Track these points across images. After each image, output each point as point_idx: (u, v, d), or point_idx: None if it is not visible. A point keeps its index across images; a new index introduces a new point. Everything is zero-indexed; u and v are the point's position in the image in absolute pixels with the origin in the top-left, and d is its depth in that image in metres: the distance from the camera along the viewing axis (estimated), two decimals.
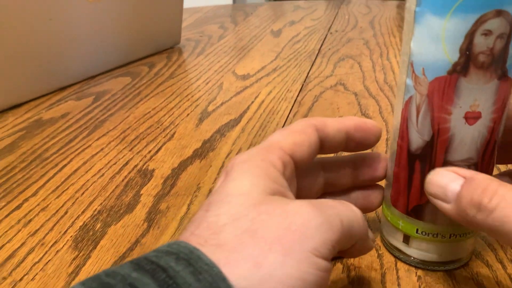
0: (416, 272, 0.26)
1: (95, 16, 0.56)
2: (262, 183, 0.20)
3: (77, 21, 0.54)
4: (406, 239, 0.25)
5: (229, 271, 0.17)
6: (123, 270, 0.17)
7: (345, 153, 0.27)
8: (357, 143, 0.25)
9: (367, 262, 0.27)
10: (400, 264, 0.26)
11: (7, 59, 0.47)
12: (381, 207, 0.27)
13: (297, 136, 0.22)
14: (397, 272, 0.26)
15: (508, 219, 0.18)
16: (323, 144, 0.23)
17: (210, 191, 0.34)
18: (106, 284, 0.16)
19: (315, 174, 0.26)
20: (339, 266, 0.26)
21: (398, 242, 0.26)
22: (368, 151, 0.26)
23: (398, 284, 0.25)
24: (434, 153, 0.22)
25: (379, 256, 0.27)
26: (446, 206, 0.21)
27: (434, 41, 0.20)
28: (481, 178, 0.20)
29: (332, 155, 0.28)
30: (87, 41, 0.56)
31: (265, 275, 0.17)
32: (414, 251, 0.25)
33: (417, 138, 0.23)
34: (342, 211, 0.20)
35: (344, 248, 0.20)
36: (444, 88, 0.21)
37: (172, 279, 0.16)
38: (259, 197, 0.19)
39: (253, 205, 0.19)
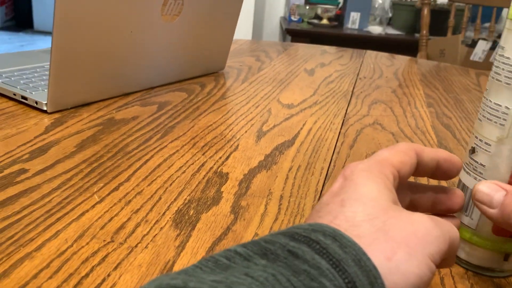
0: (469, 280, 0.31)
1: (165, 34, 0.62)
2: (386, 192, 0.24)
3: (151, 37, 0.60)
4: (507, 257, 0.31)
5: None
6: (280, 239, 0.21)
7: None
8: (443, 173, 0.29)
9: None
10: (455, 271, 0.31)
11: (88, 61, 0.53)
12: (466, 240, 0.32)
13: (403, 156, 0.27)
14: (453, 278, 0.31)
15: None
16: (418, 167, 0.28)
17: (281, 196, 0.39)
18: (267, 249, 0.20)
19: (405, 192, 0.30)
20: None
21: (494, 263, 0.31)
22: (453, 187, 0.31)
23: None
24: None
25: None
26: (491, 211, 0.27)
27: None
28: None
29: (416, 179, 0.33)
30: (155, 55, 0.62)
31: (393, 268, 0.21)
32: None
33: None
34: (451, 229, 0.24)
35: (443, 259, 0.24)
36: None
37: (325, 249, 0.20)
38: (386, 203, 0.23)
39: (383, 210, 0.23)
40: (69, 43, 0.49)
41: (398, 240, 0.22)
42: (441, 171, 0.29)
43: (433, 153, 0.28)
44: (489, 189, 0.27)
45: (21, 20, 3.87)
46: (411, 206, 0.31)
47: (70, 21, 0.48)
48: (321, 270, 0.20)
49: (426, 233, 0.22)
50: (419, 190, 0.31)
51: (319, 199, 0.39)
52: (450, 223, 0.25)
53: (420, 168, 0.28)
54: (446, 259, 0.25)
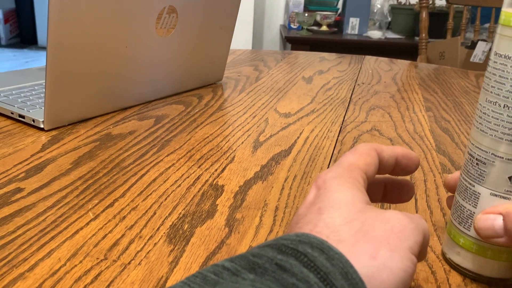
0: (466, 287, 0.30)
1: (160, 49, 0.62)
2: (359, 194, 0.25)
3: (147, 51, 0.60)
4: None
5: (353, 262, 0.21)
6: (267, 253, 0.21)
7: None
8: (402, 169, 0.30)
9: (423, 276, 0.31)
10: (452, 280, 0.31)
11: (84, 77, 0.53)
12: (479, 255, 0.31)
13: (366, 158, 0.27)
14: (449, 286, 0.31)
15: None
16: (379, 166, 0.29)
17: (276, 207, 0.39)
18: (255, 263, 0.21)
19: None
20: None
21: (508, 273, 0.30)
22: (403, 177, 0.32)
23: None
24: None
25: (433, 273, 0.32)
26: (501, 240, 0.27)
27: None
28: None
29: None
30: (151, 69, 0.62)
31: (380, 265, 0.22)
32: None
33: None
34: (421, 221, 0.25)
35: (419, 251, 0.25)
36: None
37: (313, 262, 0.21)
38: (361, 205, 0.24)
39: (359, 211, 0.24)
40: (64, 60, 0.50)
41: (379, 239, 0.22)
42: (400, 168, 0.30)
43: (391, 151, 0.29)
44: (488, 222, 0.28)
45: (26, 37, 3.92)
46: None
47: (64, 38, 0.48)
48: (309, 284, 0.20)
49: (402, 228, 0.23)
50: (372, 183, 0.31)
51: None
52: (419, 215, 0.26)
53: (381, 167, 0.29)
54: (421, 251, 0.26)
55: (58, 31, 0.47)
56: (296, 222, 0.25)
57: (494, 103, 0.28)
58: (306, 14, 2.18)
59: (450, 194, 0.34)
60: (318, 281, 0.20)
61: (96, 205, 0.37)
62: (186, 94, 0.71)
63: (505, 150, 0.28)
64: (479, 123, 0.29)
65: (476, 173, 0.29)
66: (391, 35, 2.25)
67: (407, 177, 0.46)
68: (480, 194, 0.29)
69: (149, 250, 0.32)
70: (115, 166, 0.45)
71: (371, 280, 0.21)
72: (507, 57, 0.27)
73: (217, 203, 0.39)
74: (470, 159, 0.30)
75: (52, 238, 0.33)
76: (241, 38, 2.18)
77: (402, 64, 1.08)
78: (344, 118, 0.65)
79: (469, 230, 0.30)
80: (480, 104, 0.29)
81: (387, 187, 0.32)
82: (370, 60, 1.11)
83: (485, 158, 0.29)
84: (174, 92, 0.70)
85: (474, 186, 0.30)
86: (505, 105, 0.27)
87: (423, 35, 1.61)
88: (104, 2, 0.51)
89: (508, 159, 0.28)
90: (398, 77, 0.94)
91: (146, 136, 0.53)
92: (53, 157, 0.46)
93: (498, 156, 0.28)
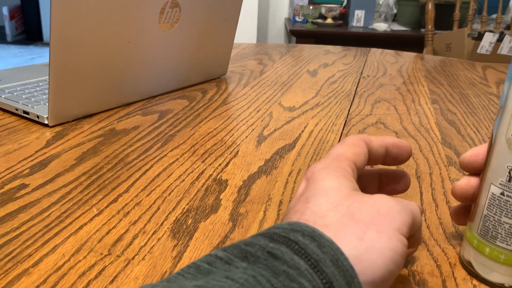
0: (472, 281, 0.30)
1: (164, 43, 0.62)
2: (346, 182, 0.25)
3: (150, 46, 0.60)
4: None
5: (340, 245, 0.22)
6: (259, 241, 0.22)
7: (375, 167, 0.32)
8: (393, 158, 0.30)
9: (428, 269, 0.31)
10: (457, 273, 0.31)
11: (87, 73, 0.53)
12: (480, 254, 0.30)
13: (355, 148, 0.28)
14: (455, 280, 0.30)
15: None
16: (369, 156, 0.29)
17: (280, 201, 0.39)
18: (247, 252, 0.21)
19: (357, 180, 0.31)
20: (405, 271, 0.31)
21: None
22: (397, 168, 0.32)
23: None
24: None
25: (438, 266, 0.32)
26: None
27: None
28: None
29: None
30: (155, 64, 0.62)
31: (368, 247, 0.22)
32: None
33: None
34: (410, 204, 0.25)
35: (410, 234, 0.25)
36: None
37: (303, 249, 0.21)
38: (347, 190, 0.25)
39: (345, 196, 0.24)
40: (67, 56, 0.50)
41: (366, 221, 0.23)
42: (391, 157, 0.30)
43: (380, 140, 0.29)
44: None
45: (31, 33, 3.93)
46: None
47: (67, 34, 0.48)
48: (300, 270, 0.20)
49: (388, 210, 0.23)
50: (366, 175, 0.31)
51: None
52: (408, 200, 0.26)
53: (371, 157, 0.29)
54: (413, 235, 0.26)
55: (61, 27, 0.47)
56: (286, 213, 0.25)
57: None
58: (311, 7, 2.16)
59: (458, 204, 0.33)
60: (308, 268, 0.20)
61: (100, 200, 0.37)
62: (190, 88, 0.71)
63: None
64: None
65: None
66: (397, 27, 2.23)
67: (413, 170, 0.46)
68: None
69: (153, 245, 0.32)
70: (119, 161, 0.45)
71: (360, 261, 0.21)
72: None
73: (221, 197, 0.39)
74: None
75: (57, 233, 0.33)
76: (246, 32, 2.17)
77: (408, 56, 1.07)
78: (349, 111, 0.64)
79: None
80: None
81: (382, 179, 0.32)
82: (376, 53, 1.10)
83: None
84: (178, 87, 0.70)
85: None
86: None
87: (429, 26, 1.59)
88: None
89: None
90: (404, 69, 0.93)
91: (150, 131, 0.53)
92: (57, 153, 0.46)
93: None
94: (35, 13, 3.78)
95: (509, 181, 0.28)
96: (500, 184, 0.28)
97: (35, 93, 0.59)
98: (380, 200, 0.24)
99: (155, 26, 0.59)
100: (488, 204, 0.29)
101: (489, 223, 0.29)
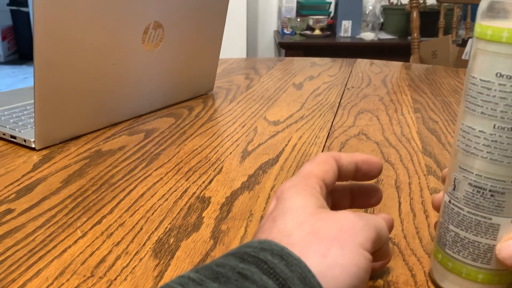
0: None
1: (148, 63, 0.63)
2: (312, 199, 0.26)
3: (135, 67, 0.61)
4: None
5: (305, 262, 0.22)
6: (230, 262, 0.22)
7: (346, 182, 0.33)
8: (364, 174, 0.31)
9: (403, 279, 0.32)
10: (431, 283, 0.32)
11: (73, 95, 0.54)
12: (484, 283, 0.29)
13: (324, 165, 0.29)
14: None
15: None
16: (339, 172, 0.30)
17: (262, 217, 0.40)
18: (218, 273, 0.22)
19: (327, 196, 0.31)
20: (380, 282, 0.32)
21: None
22: (369, 182, 0.33)
23: None
24: None
25: (413, 276, 0.32)
26: None
27: None
28: None
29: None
30: (140, 84, 0.63)
31: (331, 263, 0.23)
32: None
33: None
34: (375, 219, 0.26)
35: (376, 249, 0.26)
36: None
37: (272, 269, 0.22)
38: (312, 208, 0.26)
39: (310, 214, 0.25)
40: (52, 79, 0.51)
41: (329, 238, 0.24)
42: (361, 173, 0.31)
43: (350, 157, 0.30)
44: (510, 249, 0.27)
45: (24, 53, 3.95)
46: (333, 207, 0.32)
47: (50, 57, 0.49)
48: None
49: (351, 226, 0.24)
50: (338, 190, 0.32)
51: None
52: (374, 215, 0.27)
53: (341, 173, 0.30)
54: (381, 249, 0.27)
55: (45, 51, 0.49)
56: (256, 232, 0.26)
57: (509, 129, 0.26)
58: (299, 19, 2.19)
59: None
60: (276, 287, 0.21)
61: (84, 222, 0.38)
62: (177, 106, 0.72)
63: None
64: (489, 153, 0.26)
65: (492, 205, 0.27)
66: (384, 35, 2.26)
67: (392, 180, 0.47)
68: (500, 225, 0.27)
69: (135, 266, 0.33)
70: (104, 182, 0.45)
71: (324, 277, 0.22)
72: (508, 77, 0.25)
73: (203, 215, 0.40)
74: (479, 192, 0.27)
75: (41, 257, 0.33)
76: (236, 46, 2.20)
77: (393, 66, 1.09)
78: (332, 123, 0.66)
79: (489, 264, 0.28)
80: (482, 131, 0.27)
81: (354, 193, 0.33)
82: (361, 63, 1.12)
83: (503, 188, 0.27)
84: (164, 105, 0.71)
85: (491, 219, 0.27)
86: None
87: (415, 34, 1.62)
88: (89, 21, 0.52)
89: None
90: (388, 79, 0.95)
91: (136, 151, 0.53)
92: (43, 176, 0.47)
93: None
94: (27, 33, 3.81)
95: (453, 189, 0.29)
96: (449, 192, 0.30)
97: (22, 117, 0.60)
98: (344, 216, 0.25)
99: (139, 47, 0.60)
100: (442, 212, 0.31)
101: (442, 230, 0.31)
